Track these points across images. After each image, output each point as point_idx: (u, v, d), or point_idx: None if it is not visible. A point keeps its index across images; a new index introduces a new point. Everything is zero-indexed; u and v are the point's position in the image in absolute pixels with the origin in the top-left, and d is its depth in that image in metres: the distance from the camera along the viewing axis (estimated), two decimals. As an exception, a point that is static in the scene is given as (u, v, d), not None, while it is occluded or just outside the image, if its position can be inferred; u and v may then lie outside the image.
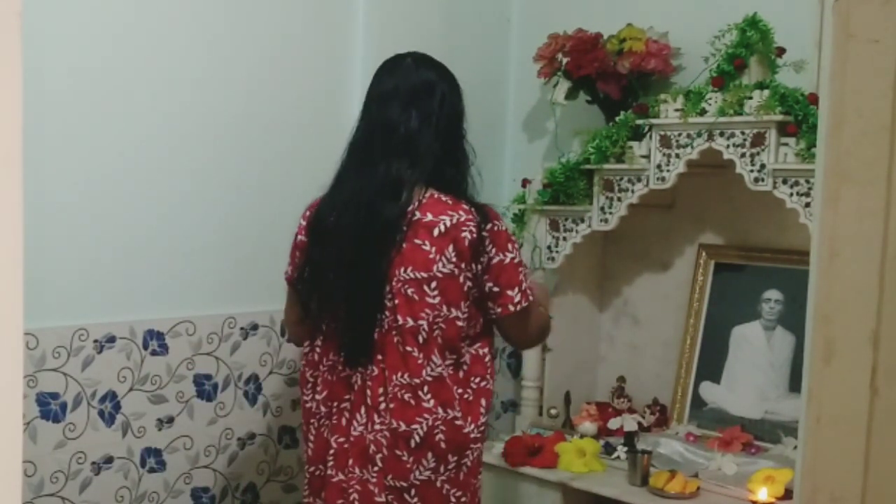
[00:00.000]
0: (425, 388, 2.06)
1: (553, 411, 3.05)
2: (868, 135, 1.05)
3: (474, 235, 2.04)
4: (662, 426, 2.99)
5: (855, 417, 1.07)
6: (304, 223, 2.22)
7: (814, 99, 2.46)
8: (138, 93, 2.57)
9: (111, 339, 2.56)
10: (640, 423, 2.92)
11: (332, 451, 2.14)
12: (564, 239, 2.96)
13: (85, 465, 2.54)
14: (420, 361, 2.06)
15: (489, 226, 2.07)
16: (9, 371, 0.87)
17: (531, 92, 3.35)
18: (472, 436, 2.11)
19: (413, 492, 2.07)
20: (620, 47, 2.91)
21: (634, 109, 2.80)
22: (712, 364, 2.96)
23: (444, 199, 2.08)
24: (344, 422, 2.13)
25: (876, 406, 1.05)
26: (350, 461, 2.10)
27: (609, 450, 2.81)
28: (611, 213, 2.86)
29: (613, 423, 2.93)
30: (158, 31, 2.59)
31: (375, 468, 2.08)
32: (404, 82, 2.12)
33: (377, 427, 2.08)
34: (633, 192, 2.81)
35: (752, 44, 2.63)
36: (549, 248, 2.99)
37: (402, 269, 2.05)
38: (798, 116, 2.48)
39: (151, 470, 2.67)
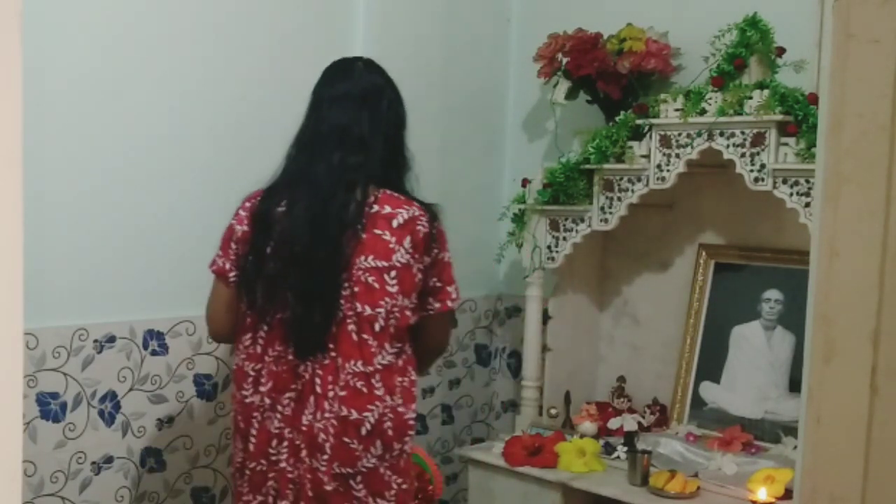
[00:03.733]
0: (377, 377, 2.11)
1: (553, 411, 3.05)
2: (868, 135, 1.05)
3: (427, 230, 2.14)
4: (662, 426, 2.99)
5: (855, 417, 1.07)
6: (244, 214, 2.20)
7: (814, 99, 2.46)
8: (138, 93, 2.57)
9: (111, 339, 2.56)
10: (640, 423, 2.92)
11: (284, 444, 2.14)
12: (564, 239, 2.96)
13: (85, 465, 2.54)
14: (374, 350, 2.10)
15: (437, 223, 2.17)
16: (9, 371, 0.87)
17: (531, 92, 3.35)
18: (411, 422, 2.17)
19: (359, 478, 2.11)
20: (620, 47, 2.91)
21: (634, 109, 2.80)
22: (712, 364, 2.96)
23: (396, 195, 2.16)
24: (290, 412, 2.13)
25: (876, 406, 1.05)
26: (303, 452, 2.11)
27: (609, 450, 2.81)
28: (611, 213, 2.86)
29: (613, 423, 2.93)
30: (158, 31, 2.59)
31: (325, 456, 2.10)
32: (356, 85, 2.19)
33: (326, 415, 2.09)
34: (633, 192, 2.81)
35: (752, 44, 2.64)
36: (549, 248, 2.99)
37: (363, 258, 2.09)
38: (798, 116, 2.48)
39: (151, 470, 2.67)
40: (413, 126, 3.11)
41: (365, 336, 2.09)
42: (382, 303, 2.09)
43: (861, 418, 1.06)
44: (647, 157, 2.77)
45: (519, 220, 3.03)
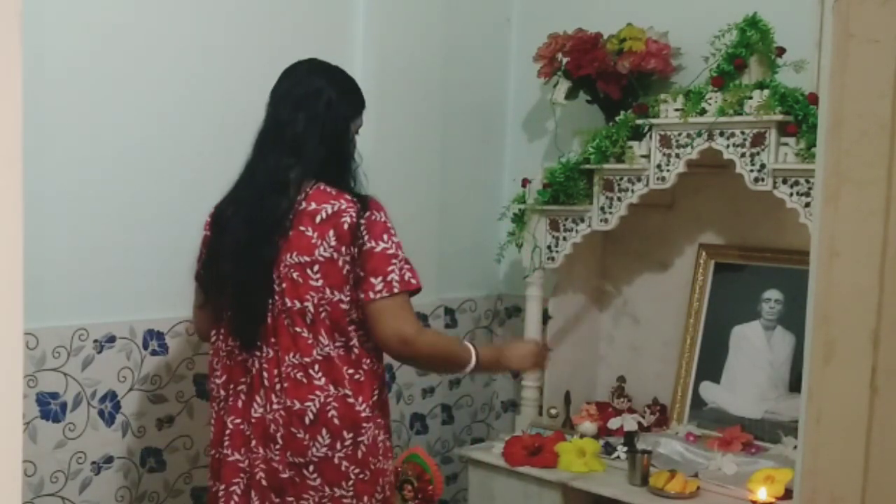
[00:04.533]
0: (316, 367, 2.15)
1: (553, 411, 3.05)
2: (868, 135, 1.05)
3: (353, 220, 2.13)
4: (662, 426, 2.99)
5: (855, 417, 1.07)
6: (209, 219, 2.32)
7: (814, 99, 2.45)
8: (138, 93, 2.57)
9: (111, 339, 2.56)
10: (640, 423, 2.92)
11: (227, 432, 2.21)
12: (564, 239, 2.96)
13: (85, 465, 2.54)
14: (310, 342, 2.15)
15: (367, 214, 2.15)
16: (9, 371, 0.87)
17: (531, 92, 3.35)
18: (364, 414, 2.17)
19: (312, 468, 2.15)
20: (620, 47, 2.91)
21: (634, 109, 2.80)
22: (712, 364, 2.96)
23: (328, 190, 2.18)
24: (240, 403, 2.21)
25: (876, 406, 1.05)
26: (253, 442, 2.18)
27: (609, 450, 2.81)
28: (611, 212, 2.86)
29: (613, 423, 2.93)
30: (158, 31, 2.59)
31: (277, 446, 2.15)
32: (296, 87, 2.24)
33: (275, 406, 2.16)
34: (633, 191, 2.81)
35: (752, 44, 2.64)
36: (549, 248, 2.99)
37: (289, 255, 2.15)
38: (798, 116, 2.48)
39: (151, 470, 2.67)
40: (413, 126, 3.13)
41: (298, 329, 2.14)
42: (308, 297, 2.13)
43: (861, 418, 1.06)
44: (647, 157, 2.76)
45: (519, 220, 3.03)
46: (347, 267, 2.13)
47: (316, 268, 2.13)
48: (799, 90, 2.53)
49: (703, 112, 2.63)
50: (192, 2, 2.65)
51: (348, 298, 2.15)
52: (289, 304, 2.14)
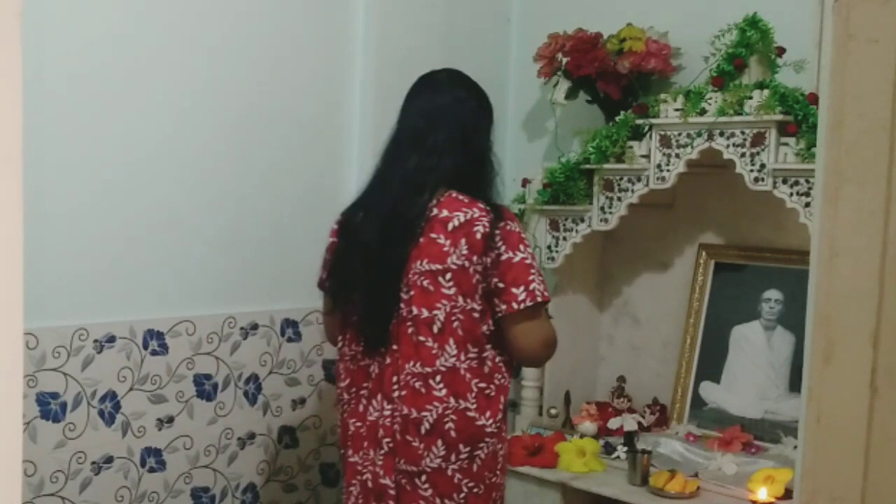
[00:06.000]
0: (437, 378, 2.14)
1: (553, 411, 3.05)
2: (868, 135, 1.05)
3: (486, 230, 2.12)
4: (662, 426, 2.99)
5: (855, 417, 1.07)
6: (335, 227, 2.34)
7: (814, 99, 2.45)
8: (138, 93, 2.57)
9: (111, 339, 2.56)
10: (640, 423, 2.92)
11: (349, 434, 2.27)
12: (564, 239, 2.96)
13: (85, 465, 2.54)
14: (434, 352, 2.14)
15: (502, 223, 2.14)
16: (9, 371, 0.87)
17: (531, 92, 3.35)
18: (488, 430, 2.16)
19: (424, 478, 2.16)
20: (620, 47, 2.91)
21: (634, 109, 2.80)
22: (712, 364, 2.96)
23: (461, 198, 2.18)
24: (361, 407, 2.25)
25: (876, 406, 1.05)
26: (365, 444, 2.23)
27: (609, 450, 2.81)
28: (611, 212, 2.86)
29: (613, 423, 2.93)
30: (159, 31, 2.59)
31: (382, 451, 2.19)
32: (437, 96, 2.27)
33: (388, 414, 2.18)
34: (633, 191, 2.81)
35: (752, 44, 2.63)
36: (549, 247, 2.99)
37: (419, 262, 2.14)
38: (798, 116, 2.48)
39: (151, 470, 2.67)
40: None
41: (422, 338, 2.14)
42: (440, 305, 2.13)
43: (861, 418, 1.06)
44: (647, 157, 2.76)
45: (519, 220, 3.03)
46: (478, 276, 2.12)
47: (448, 276, 2.12)
48: (799, 90, 2.53)
49: (703, 112, 2.63)
50: (193, 1, 2.65)
51: (480, 308, 2.13)
52: (415, 311, 2.14)
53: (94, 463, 2.56)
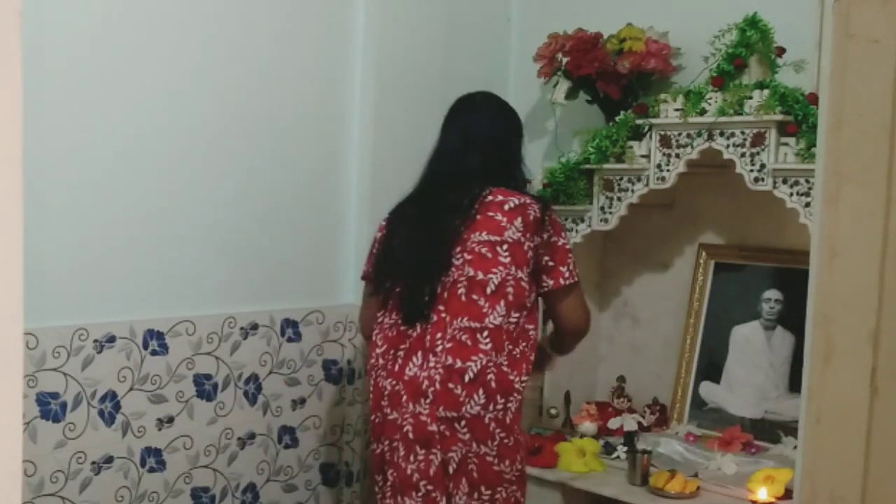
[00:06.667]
0: (484, 333, 2.37)
1: (553, 411, 3.05)
2: (868, 135, 1.05)
3: (538, 214, 2.44)
4: (662, 426, 2.99)
5: (855, 417, 1.07)
6: (383, 223, 2.59)
7: (814, 99, 2.45)
8: (138, 94, 2.57)
9: (111, 339, 2.56)
10: (640, 423, 2.92)
11: (386, 394, 2.43)
12: (564, 239, 2.96)
13: (85, 465, 2.54)
14: (484, 310, 2.37)
15: (549, 212, 2.47)
16: (9, 371, 0.87)
17: (531, 92, 3.35)
18: (517, 385, 2.39)
19: (463, 423, 2.34)
20: (620, 47, 2.91)
21: (634, 109, 2.80)
22: (712, 364, 2.96)
23: (509, 190, 2.49)
24: (397, 367, 2.42)
25: (876, 406, 1.05)
26: (404, 399, 2.38)
27: (609, 450, 2.81)
28: (611, 212, 2.86)
29: (613, 423, 2.93)
30: (159, 30, 2.59)
31: (428, 400, 2.35)
32: (472, 116, 2.58)
33: (431, 365, 2.37)
34: (633, 191, 2.81)
35: (752, 44, 2.63)
36: (549, 247, 2.98)
37: (477, 233, 2.41)
38: (798, 116, 2.48)
39: (151, 470, 2.67)
40: (414, 126, 3.12)
41: (475, 297, 2.38)
42: (496, 270, 2.38)
43: (861, 418, 1.06)
44: (647, 157, 2.77)
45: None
46: (531, 252, 2.41)
47: (505, 247, 2.40)
48: (799, 90, 2.53)
49: (703, 112, 2.63)
50: (196, 1, 2.65)
51: (527, 280, 2.41)
52: (471, 273, 2.39)
53: (94, 463, 2.56)
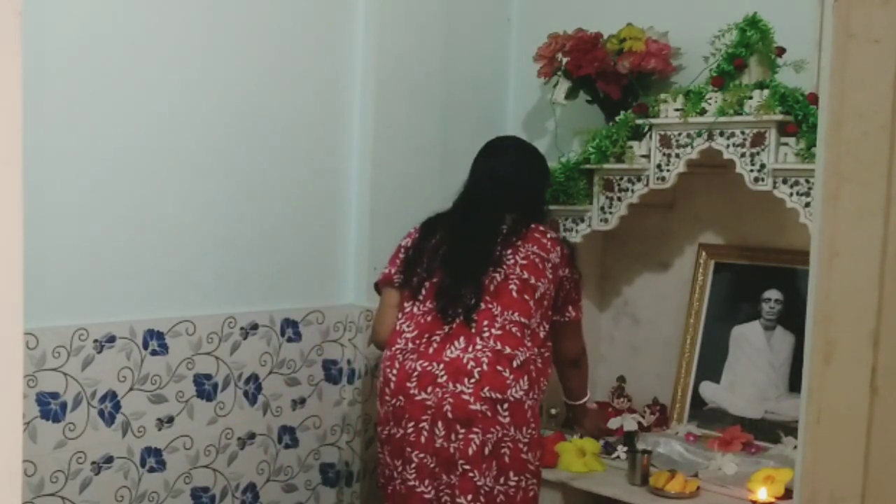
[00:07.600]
0: (528, 330, 2.51)
1: (553, 411, 3.05)
2: (868, 135, 1.05)
3: (566, 252, 2.62)
4: (662, 426, 2.99)
5: (855, 417, 1.07)
6: (413, 230, 2.69)
7: (814, 99, 2.45)
8: (138, 94, 2.57)
9: (111, 339, 2.56)
10: (640, 423, 2.92)
11: (415, 375, 2.47)
12: (564, 239, 2.96)
13: (85, 465, 2.54)
14: (532, 310, 2.52)
15: (569, 251, 2.65)
16: (9, 371, 0.87)
17: (531, 92, 3.35)
18: (543, 385, 2.55)
19: (506, 406, 2.42)
20: (620, 47, 2.91)
21: (634, 109, 2.80)
22: (712, 364, 2.96)
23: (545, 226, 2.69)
24: (432, 350, 2.49)
25: (876, 406, 1.05)
26: (444, 378, 2.44)
27: (609, 450, 2.81)
28: (611, 212, 2.86)
29: (613, 423, 2.93)
30: (159, 29, 2.59)
31: (472, 380, 2.42)
32: (505, 157, 2.71)
33: (479, 348, 2.46)
34: (633, 191, 2.81)
35: (752, 44, 2.63)
36: (549, 247, 2.98)
37: (529, 245, 2.57)
38: (798, 116, 2.48)
39: (151, 470, 2.67)
40: (413, 126, 3.13)
41: (526, 297, 2.52)
42: (542, 280, 2.55)
43: (861, 418, 1.06)
44: (647, 157, 2.77)
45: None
46: (558, 281, 2.59)
47: (549, 265, 2.57)
48: (799, 90, 2.53)
49: (703, 112, 2.63)
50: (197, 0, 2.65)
51: (553, 300, 2.59)
52: (525, 275, 2.53)
53: (94, 463, 2.56)
